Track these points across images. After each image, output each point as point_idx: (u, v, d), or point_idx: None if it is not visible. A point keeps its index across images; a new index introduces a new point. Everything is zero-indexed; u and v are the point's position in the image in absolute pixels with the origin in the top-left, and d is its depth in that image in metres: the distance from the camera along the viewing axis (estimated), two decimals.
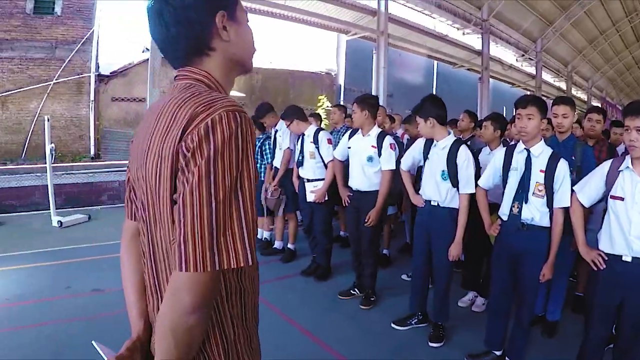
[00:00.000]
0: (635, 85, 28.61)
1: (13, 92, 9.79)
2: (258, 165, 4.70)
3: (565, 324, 3.03)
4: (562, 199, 2.34)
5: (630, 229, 1.97)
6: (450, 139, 2.83)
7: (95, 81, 10.81)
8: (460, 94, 15.74)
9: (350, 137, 3.48)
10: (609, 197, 2.10)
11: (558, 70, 19.65)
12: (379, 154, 3.28)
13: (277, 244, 4.60)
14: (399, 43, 12.26)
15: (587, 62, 20.46)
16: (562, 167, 2.34)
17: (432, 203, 2.86)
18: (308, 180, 3.89)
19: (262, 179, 4.60)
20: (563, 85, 21.01)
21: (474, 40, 14.31)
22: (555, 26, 15.47)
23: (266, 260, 4.36)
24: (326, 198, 3.82)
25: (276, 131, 4.52)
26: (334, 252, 4.08)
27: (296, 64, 13.91)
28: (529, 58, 16.73)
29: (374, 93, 10.45)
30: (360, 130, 3.38)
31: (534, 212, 2.37)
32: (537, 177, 2.37)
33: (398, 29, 11.85)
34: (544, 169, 2.36)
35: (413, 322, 3.07)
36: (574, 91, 21.86)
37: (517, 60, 16.89)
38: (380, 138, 3.31)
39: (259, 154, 4.76)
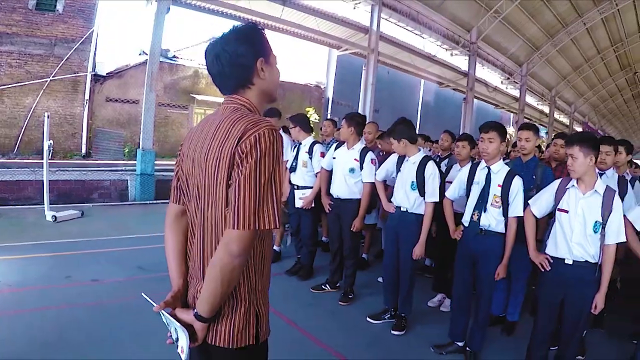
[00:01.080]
0: (617, 112, 29.82)
1: (10, 86, 9.98)
2: None
3: (523, 325, 3.43)
4: (515, 210, 2.79)
5: (572, 237, 2.40)
6: (420, 155, 3.29)
7: (91, 81, 11.04)
8: (445, 113, 16.38)
9: (336, 148, 3.87)
10: (556, 209, 2.52)
11: (542, 94, 20.52)
12: (361, 168, 3.69)
13: None
14: (388, 60, 12.78)
15: (571, 87, 21.43)
16: (517, 182, 2.80)
17: (402, 209, 3.29)
18: (298, 187, 4.20)
19: None
20: (546, 109, 21.93)
21: (461, 62, 14.96)
22: (541, 52, 16.27)
23: None
24: (312, 205, 4.14)
25: None
26: (316, 255, 4.44)
27: (287, 75, 14.37)
28: (514, 81, 17.49)
29: (361, 108, 10.95)
30: (345, 143, 3.78)
31: (491, 219, 2.82)
32: (495, 190, 2.83)
33: (388, 47, 12.39)
34: (501, 183, 2.81)
35: (386, 317, 3.45)
36: (556, 115, 22.81)
37: (502, 82, 17.64)
38: (363, 153, 3.71)
39: None
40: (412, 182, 3.22)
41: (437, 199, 3.19)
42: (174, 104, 13.45)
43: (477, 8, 12.91)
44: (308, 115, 5.54)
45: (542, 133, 23.79)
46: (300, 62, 14.73)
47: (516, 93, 18.59)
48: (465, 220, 2.95)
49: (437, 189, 3.20)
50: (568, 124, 25.41)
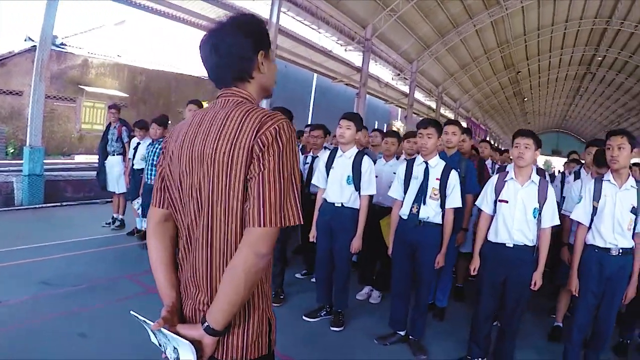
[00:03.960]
0: (499, 108, 38.10)
1: None
2: (150, 170, 6.22)
3: (451, 309, 4.95)
4: (452, 201, 4.01)
5: (513, 224, 3.60)
6: (355, 150, 4.36)
7: None
8: (337, 107, 20.19)
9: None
10: (497, 200, 3.72)
11: (430, 90, 26.16)
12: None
13: None
14: (285, 54, 15.85)
15: (457, 84, 27.76)
16: (453, 176, 4.01)
17: (337, 204, 4.35)
18: None
19: (151, 182, 6.06)
20: (433, 104, 27.83)
21: (355, 57, 18.85)
22: (431, 50, 21.31)
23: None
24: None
25: None
26: None
27: (181, 66, 16.52)
28: (404, 77, 22.27)
29: (265, 104, 13.73)
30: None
31: (430, 211, 3.97)
32: (434, 183, 3.99)
33: (286, 40, 15.44)
34: (439, 177, 3.99)
35: (323, 314, 4.59)
36: (442, 110, 28.87)
37: (392, 78, 22.30)
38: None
39: (154, 154, 6.21)
40: (349, 176, 4.29)
41: (374, 192, 4.40)
42: (61, 96, 14.67)
43: (374, 5, 16.81)
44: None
45: None
46: (194, 53, 16.62)
47: (406, 89, 23.64)
48: (404, 213, 4.08)
49: (373, 182, 4.37)
50: (453, 118, 31.97)
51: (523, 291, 3.68)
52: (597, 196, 3.69)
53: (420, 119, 5.48)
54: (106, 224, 7.80)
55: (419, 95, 26.09)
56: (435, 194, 4.00)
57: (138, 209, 6.89)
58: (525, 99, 37.38)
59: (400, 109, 29.28)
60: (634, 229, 3.61)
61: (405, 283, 4.20)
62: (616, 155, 3.52)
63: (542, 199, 3.64)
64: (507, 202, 3.68)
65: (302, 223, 1.44)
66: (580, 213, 3.75)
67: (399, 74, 22.12)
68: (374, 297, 5.37)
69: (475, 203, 4.08)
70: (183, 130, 1.58)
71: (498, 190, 3.77)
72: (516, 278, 3.65)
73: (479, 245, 3.89)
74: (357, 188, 4.30)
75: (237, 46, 1.50)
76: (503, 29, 21.75)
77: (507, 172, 3.81)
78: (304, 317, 4.55)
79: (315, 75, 21.06)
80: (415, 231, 4.01)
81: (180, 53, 16.98)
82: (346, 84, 20.82)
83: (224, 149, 1.40)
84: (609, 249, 3.59)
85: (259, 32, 1.56)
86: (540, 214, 3.62)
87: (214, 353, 1.46)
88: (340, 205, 4.34)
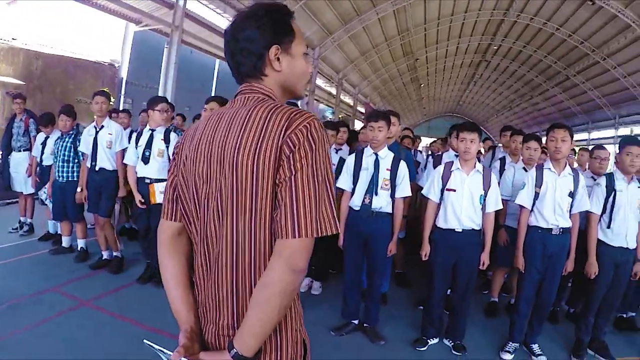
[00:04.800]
0: (397, 94, 40.98)
1: None
2: (70, 164, 6.38)
3: (392, 294, 5.59)
4: (402, 191, 4.52)
5: (461, 211, 4.30)
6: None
7: None
8: None
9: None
10: (445, 189, 4.35)
11: (330, 76, 27.72)
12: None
13: (106, 254, 6.28)
14: (190, 39, 16.45)
15: (357, 71, 29.64)
16: (403, 166, 4.52)
17: None
18: (152, 180, 5.43)
19: (75, 179, 6.32)
20: (333, 91, 29.47)
21: None
22: (334, 37, 22.75)
23: (93, 273, 5.96)
24: None
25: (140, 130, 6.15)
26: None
27: (80, 51, 16.39)
28: None
29: (161, 90, 14.34)
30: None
31: (382, 202, 4.44)
32: (384, 174, 4.44)
33: (192, 24, 16.06)
34: (389, 168, 4.46)
35: None
36: (342, 96, 30.56)
37: None
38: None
39: (71, 150, 6.41)
40: None
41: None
42: None
43: None
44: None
45: (328, 113, 31.98)
46: (93, 37, 16.46)
47: None
48: (356, 204, 4.50)
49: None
50: (352, 104, 33.92)
51: (473, 272, 4.46)
52: (539, 183, 4.44)
53: (320, 105, 6.28)
54: (13, 229, 7.61)
55: (319, 81, 27.57)
56: (386, 185, 4.45)
57: (46, 199, 6.82)
58: (422, 85, 40.28)
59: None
60: (570, 210, 4.45)
61: (358, 274, 4.70)
62: (560, 146, 4.31)
63: (486, 186, 4.39)
64: (454, 190, 4.33)
65: (339, 231, 1.46)
66: (524, 198, 4.47)
67: None
68: (315, 288, 5.97)
69: (422, 192, 4.67)
70: (198, 131, 1.57)
71: (445, 179, 4.41)
72: (466, 260, 4.41)
73: (427, 232, 4.52)
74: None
75: (246, 40, 1.53)
76: (405, 18, 23.75)
77: (452, 162, 4.48)
78: None
79: (218, 61, 21.75)
80: (369, 222, 4.50)
81: (79, 36, 16.84)
82: None
83: (247, 150, 1.38)
84: (550, 229, 4.40)
85: (273, 24, 1.54)
86: (484, 200, 4.37)
87: None
88: None
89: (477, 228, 4.41)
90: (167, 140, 5.53)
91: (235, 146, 1.41)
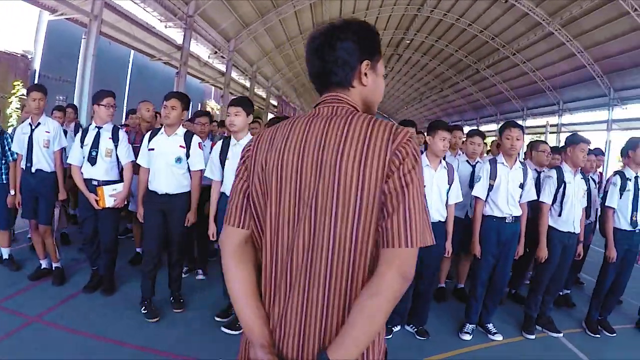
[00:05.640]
0: (309, 87, 41.70)
1: None
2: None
3: None
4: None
5: (431, 204, 4.64)
6: (250, 136, 4.64)
7: None
8: (154, 87, 20.86)
9: (150, 138, 4.95)
10: None
11: (245, 69, 27.96)
12: (187, 155, 4.96)
13: (45, 263, 5.78)
14: (107, 29, 16.11)
15: (272, 63, 30.04)
16: None
17: None
18: (100, 183, 5.16)
19: (4, 181, 5.73)
20: (247, 84, 29.63)
21: (174, 34, 19.71)
22: (250, 29, 23.05)
23: (32, 285, 5.45)
24: (126, 203, 5.32)
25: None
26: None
27: None
28: (222, 56, 23.65)
29: (78, 83, 14.00)
30: (163, 130, 4.92)
31: None
32: None
33: (111, 15, 15.77)
34: None
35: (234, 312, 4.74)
36: (256, 89, 30.81)
37: (209, 57, 23.53)
38: (188, 137, 4.96)
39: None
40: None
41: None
42: None
43: None
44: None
45: None
46: (4, 25, 15.44)
47: (223, 68, 24.92)
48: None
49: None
50: (265, 97, 34.24)
51: (438, 260, 4.93)
52: (493, 176, 4.91)
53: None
54: None
55: (234, 74, 27.70)
56: None
57: None
58: None
59: (214, 88, 30.68)
60: (520, 199, 4.97)
61: None
62: (515, 144, 4.82)
63: (450, 181, 4.82)
64: (425, 186, 4.28)
65: (434, 243, 1.48)
66: (479, 190, 4.91)
67: (216, 52, 23.43)
68: (200, 274, 6.24)
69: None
70: (279, 137, 1.60)
71: None
72: (434, 250, 4.67)
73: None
74: None
75: (342, 49, 1.58)
76: (321, 11, 24.58)
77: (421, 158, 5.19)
78: (216, 318, 4.90)
79: (133, 52, 21.34)
80: None
81: None
82: (164, 63, 21.52)
83: (352, 158, 1.43)
84: (504, 218, 4.89)
85: (368, 40, 1.63)
86: (448, 193, 4.81)
87: None
88: None
89: (442, 220, 4.87)
90: (115, 138, 5.22)
91: (336, 153, 1.45)
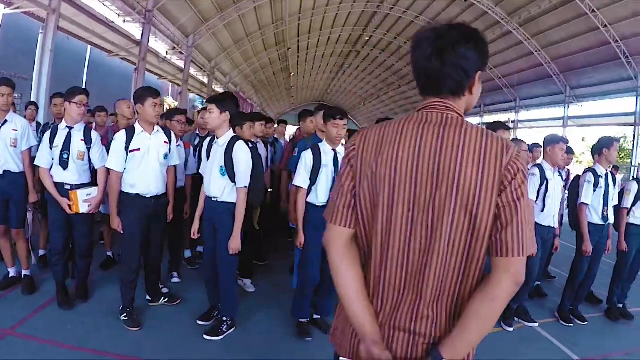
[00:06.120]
0: (266, 83, 41.82)
1: None
2: None
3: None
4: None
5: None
6: (230, 134, 4.57)
7: None
8: (111, 84, 20.59)
9: (129, 139, 4.70)
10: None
11: (203, 65, 27.73)
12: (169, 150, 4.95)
13: (13, 272, 5.48)
14: (65, 24, 15.78)
15: (230, 59, 29.86)
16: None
17: (213, 199, 4.56)
18: (77, 187, 4.90)
19: None
20: (206, 80, 29.37)
21: (133, 29, 19.46)
22: (209, 24, 22.86)
23: (0, 295, 5.14)
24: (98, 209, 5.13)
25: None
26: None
27: None
28: (180, 52, 23.42)
29: (35, 79, 13.61)
30: (142, 128, 4.73)
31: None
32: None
33: (69, 8, 15.44)
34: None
35: (216, 314, 4.86)
36: (214, 86, 30.61)
37: (167, 52, 23.29)
38: (168, 132, 4.99)
39: None
40: (221, 166, 4.47)
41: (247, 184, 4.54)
42: None
43: None
44: None
45: (198, 103, 32.01)
46: None
47: (181, 64, 24.68)
48: (322, 201, 4.67)
49: (248, 173, 4.54)
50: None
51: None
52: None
53: (191, 95, 6.29)
54: None
55: (192, 70, 27.44)
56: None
57: None
58: (292, 74, 41.39)
59: (171, 85, 30.38)
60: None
61: (318, 270, 4.78)
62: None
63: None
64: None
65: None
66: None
67: (174, 48, 23.19)
68: (248, 286, 6.11)
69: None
70: (387, 141, 1.66)
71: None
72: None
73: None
74: (232, 179, 4.47)
75: (464, 58, 1.60)
76: (280, 7, 24.67)
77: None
78: (198, 322, 4.86)
79: (90, 48, 20.93)
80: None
81: None
82: (122, 59, 21.21)
83: (470, 168, 1.53)
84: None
85: (485, 50, 1.66)
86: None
87: None
88: (216, 199, 4.56)
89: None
90: (88, 140, 4.96)
91: (455, 163, 1.54)
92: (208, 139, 4.89)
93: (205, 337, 4.54)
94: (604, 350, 5.27)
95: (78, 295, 5.12)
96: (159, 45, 22.75)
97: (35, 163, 5.01)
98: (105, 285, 5.56)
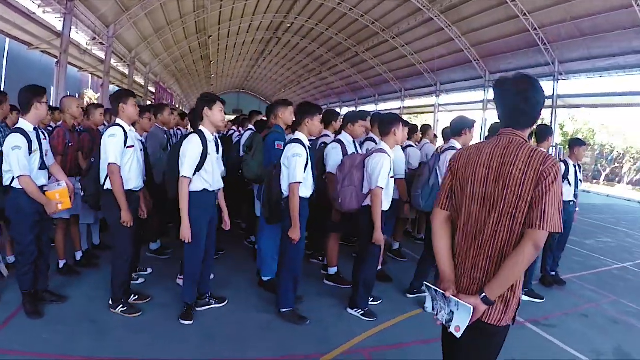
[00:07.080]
0: (186, 72, 41.41)
1: None
2: None
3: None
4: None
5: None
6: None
7: None
8: (32, 78, 19.90)
9: (126, 136, 4.85)
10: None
11: (123, 55, 27.26)
12: None
13: None
14: None
15: (150, 49, 29.49)
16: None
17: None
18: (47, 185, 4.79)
19: None
20: (127, 71, 28.88)
21: (53, 20, 18.97)
22: (130, 13, 22.55)
23: None
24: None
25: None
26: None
27: None
28: (100, 42, 22.99)
29: None
30: (125, 124, 4.90)
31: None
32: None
33: None
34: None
35: (212, 302, 5.30)
36: (135, 77, 30.18)
37: (87, 43, 22.80)
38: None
39: None
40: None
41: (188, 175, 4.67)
42: None
43: None
44: None
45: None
46: None
47: (102, 55, 24.19)
48: (309, 193, 5.00)
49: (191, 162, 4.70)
50: (144, 84, 33.57)
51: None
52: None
53: (112, 86, 6.29)
54: None
55: (113, 61, 26.87)
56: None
57: None
58: (212, 62, 41.24)
59: (91, 77, 29.59)
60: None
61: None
62: None
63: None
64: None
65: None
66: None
67: (94, 39, 22.69)
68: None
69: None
70: (473, 154, 2.54)
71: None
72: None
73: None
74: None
75: (540, 104, 2.48)
76: None
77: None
78: (181, 321, 4.86)
79: (8, 41, 20.08)
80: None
81: None
82: (42, 51, 20.59)
83: (517, 173, 2.33)
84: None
85: (544, 98, 2.53)
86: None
87: (482, 316, 2.39)
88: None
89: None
90: (48, 138, 4.96)
91: (509, 170, 2.37)
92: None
93: (182, 322, 4.80)
94: (545, 312, 5.95)
95: (52, 300, 4.98)
96: (80, 36, 22.23)
97: (19, 174, 4.43)
98: (66, 290, 5.35)
